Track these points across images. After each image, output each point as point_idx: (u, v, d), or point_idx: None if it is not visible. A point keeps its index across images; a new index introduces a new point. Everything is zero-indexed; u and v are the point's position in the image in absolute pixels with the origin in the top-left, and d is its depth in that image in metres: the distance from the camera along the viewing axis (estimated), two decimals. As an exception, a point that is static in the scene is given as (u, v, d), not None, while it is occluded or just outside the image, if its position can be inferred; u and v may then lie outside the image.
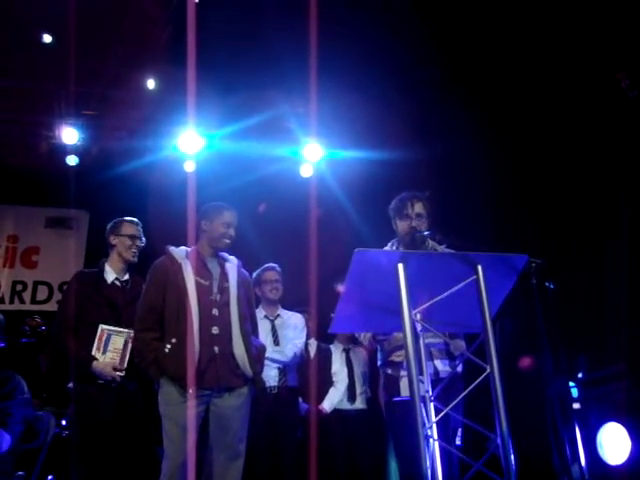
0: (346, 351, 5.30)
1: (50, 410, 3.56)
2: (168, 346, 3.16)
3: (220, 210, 3.46)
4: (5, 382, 3.20)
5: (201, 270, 3.35)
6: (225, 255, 3.50)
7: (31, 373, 3.64)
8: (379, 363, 3.42)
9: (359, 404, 5.16)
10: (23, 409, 3.13)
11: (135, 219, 3.89)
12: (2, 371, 3.26)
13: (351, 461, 5.02)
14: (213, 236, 3.42)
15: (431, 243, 3.35)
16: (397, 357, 3.22)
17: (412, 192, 3.39)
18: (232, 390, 3.23)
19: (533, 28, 5.24)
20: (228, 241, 3.42)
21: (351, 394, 5.17)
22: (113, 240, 3.78)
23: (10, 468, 3.14)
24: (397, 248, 3.36)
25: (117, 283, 3.71)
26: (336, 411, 5.08)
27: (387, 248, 3.38)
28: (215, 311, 3.26)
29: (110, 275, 3.72)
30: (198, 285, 3.28)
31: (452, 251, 3.08)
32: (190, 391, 3.09)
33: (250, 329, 3.39)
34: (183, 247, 3.46)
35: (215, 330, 3.22)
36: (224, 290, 3.33)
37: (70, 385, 3.48)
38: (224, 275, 3.38)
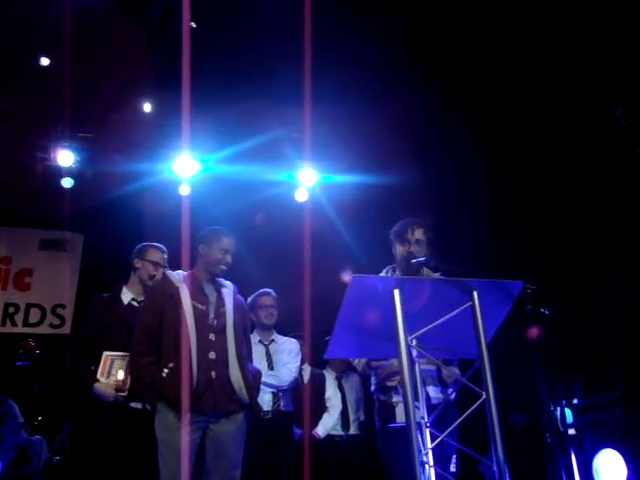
0: (338, 379, 5.29)
1: (41, 436, 3.52)
2: (165, 370, 3.13)
3: (219, 235, 3.46)
4: (-3, 407, 3.17)
5: (198, 294, 3.34)
6: (221, 280, 3.49)
7: (25, 397, 3.61)
8: (372, 388, 3.41)
9: (352, 431, 5.14)
10: (15, 435, 3.09)
11: (162, 246, 3.89)
12: (-6, 395, 3.24)
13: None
14: (209, 261, 3.42)
15: (426, 270, 3.36)
16: (391, 382, 3.21)
17: (414, 218, 3.40)
18: (229, 416, 3.20)
19: (531, 54, 5.31)
20: (224, 267, 3.41)
21: (344, 421, 5.15)
22: (137, 264, 3.80)
23: (1, 494, 3.11)
24: (393, 274, 3.36)
25: (134, 303, 3.71)
26: (330, 437, 5.06)
27: (383, 274, 3.38)
28: (212, 336, 3.25)
29: (127, 296, 3.74)
30: (195, 309, 3.26)
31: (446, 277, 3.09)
32: (187, 416, 3.07)
33: (247, 354, 3.37)
34: (180, 271, 3.45)
35: (212, 355, 3.20)
36: (221, 315, 3.32)
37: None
38: (221, 300, 3.37)
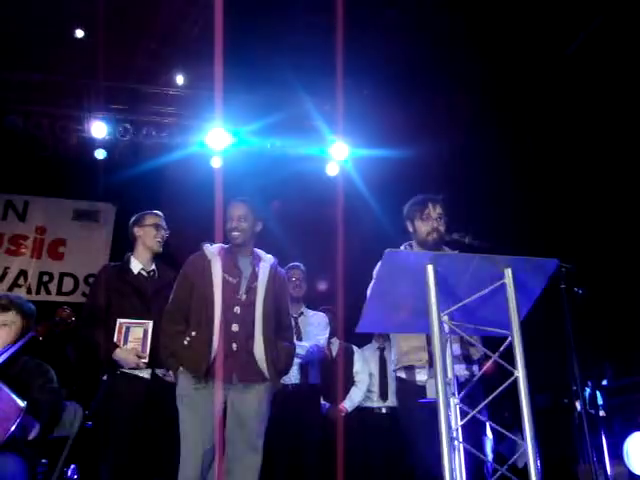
0: (381, 350, 5.28)
1: (75, 401, 3.59)
2: (188, 339, 3.18)
3: (228, 206, 3.46)
4: (35, 371, 3.23)
5: (230, 268, 3.34)
6: (261, 254, 3.47)
7: (60, 363, 3.68)
8: (392, 367, 3.38)
9: (391, 402, 5.10)
10: (51, 398, 3.17)
11: (158, 211, 3.94)
12: (32, 360, 3.31)
13: (382, 459, 5.00)
14: (227, 233, 3.43)
15: (445, 248, 3.34)
16: (417, 362, 3.20)
17: (428, 195, 3.36)
18: (250, 386, 3.22)
19: (559, 24, 5.21)
20: (234, 233, 3.36)
21: (383, 392, 5.14)
22: (138, 232, 3.83)
23: (36, 456, 3.18)
24: (411, 250, 3.34)
25: (143, 273, 3.75)
26: (366, 409, 5.06)
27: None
28: (237, 309, 3.25)
29: (136, 266, 3.76)
30: (225, 282, 3.28)
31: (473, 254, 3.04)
32: (204, 383, 3.12)
33: (273, 329, 3.33)
34: (219, 244, 3.46)
35: (235, 328, 3.22)
36: (251, 290, 3.32)
37: (104, 378, 3.53)
38: (254, 275, 3.36)
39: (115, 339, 3.50)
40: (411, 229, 3.36)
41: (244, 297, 3.29)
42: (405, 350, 3.24)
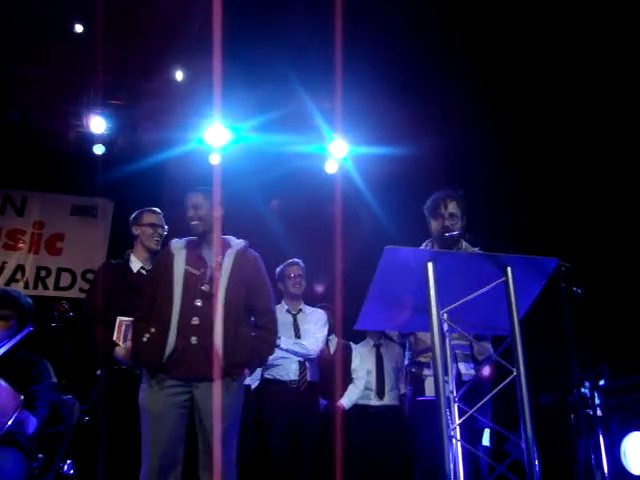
0: (377, 346, 5.26)
1: (72, 395, 3.60)
2: (147, 335, 3.11)
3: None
4: (33, 366, 3.23)
5: (195, 260, 3.27)
6: (230, 240, 3.38)
7: (56, 358, 3.67)
8: (406, 362, 3.39)
9: (388, 400, 5.08)
10: (49, 393, 3.16)
11: (156, 208, 3.93)
12: (30, 355, 3.30)
13: (379, 458, 4.99)
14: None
15: (464, 244, 3.32)
16: (424, 358, 3.20)
17: (446, 191, 3.32)
18: (212, 381, 3.08)
19: (563, 19, 5.21)
20: (195, 223, 3.29)
21: (379, 390, 5.11)
22: (136, 230, 3.84)
23: (34, 451, 3.18)
24: (432, 248, 3.32)
25: (143, 272, 3.74)
26: (364, 407, 5.05)
27: (422, 248, 3.35)
28: (199, 302, 3.15)
29: (136, 264, 3.76)
30: (188, 275, 3.20)
31: (482, 252, 3.04)
32: (162, 380, 3.06)
33: (238, 318, 3.20)
34: (187, 237, 3.38)
35: (195, 320, 3.12)
36: (215, 280, 3.21)
37: (98, 372, 3.52)
38: (218, 263, 3.25)
39: (115, 336, 3.50)
40: (429, 227, 3.35)
41: (208, 288, 3.19)
42: (418, 348, 3.26)
